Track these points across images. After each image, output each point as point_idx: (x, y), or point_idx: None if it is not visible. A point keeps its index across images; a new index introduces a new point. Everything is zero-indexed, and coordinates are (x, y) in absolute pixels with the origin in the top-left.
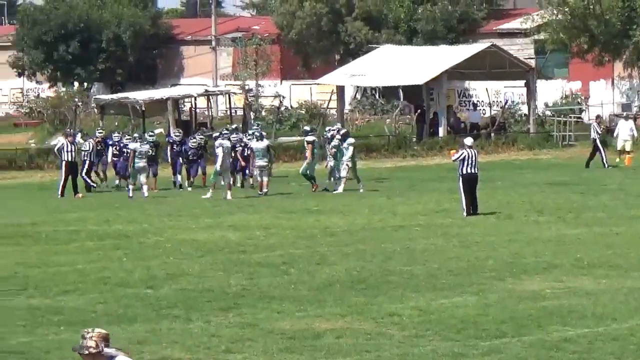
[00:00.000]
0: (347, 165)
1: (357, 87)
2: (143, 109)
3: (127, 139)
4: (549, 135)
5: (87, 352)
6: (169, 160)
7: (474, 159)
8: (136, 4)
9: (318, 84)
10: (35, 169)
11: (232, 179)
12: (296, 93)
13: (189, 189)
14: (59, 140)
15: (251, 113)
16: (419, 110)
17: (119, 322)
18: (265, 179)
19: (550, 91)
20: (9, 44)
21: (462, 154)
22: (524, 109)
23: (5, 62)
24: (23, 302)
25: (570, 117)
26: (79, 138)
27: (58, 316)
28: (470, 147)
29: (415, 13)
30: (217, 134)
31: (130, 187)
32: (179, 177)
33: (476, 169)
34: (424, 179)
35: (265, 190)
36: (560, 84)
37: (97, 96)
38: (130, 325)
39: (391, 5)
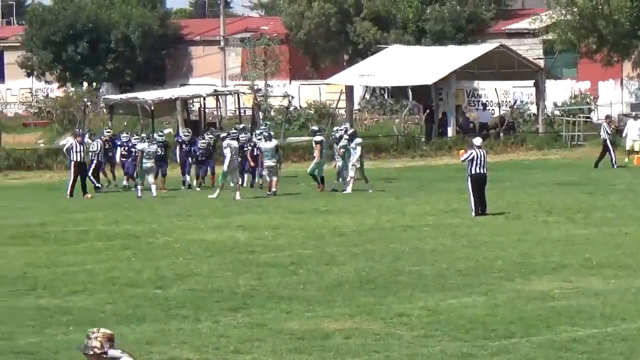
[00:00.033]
0: (354, 165)
1: (366, 87)
2: (152, 109)
3: (135, 139)
4: (557, 135)
5: (91, 352)
6: (178, 160)
7: (482, 159)
8: (145, 4)
9: (327, 84)
10: (44, 169)
11: (240, 180)
12: (305, 93)
13: (198, 189)
14: (68, 141)
15: (260, 113)
16: (427, 110)
17: (127, 323)
18: (274, 178)
19: (559, 91)
20: (18, 44)
21: (471, 154)
22: (533, 109)
23: (15, 62)
24: (32, 302)
25: (579, 117)
26: (87, 138)
27: (67, 316)
28: (479, 147)
29: (424, 13)
30: (225, 134)
31: (139, 187)
32: (188, 177)
33: (485, 169)
34: (432, 179)
35: (274, 190)
36: (569, 84)
37: (106, 96)
38: (139, 325)
39: (400, 6)
